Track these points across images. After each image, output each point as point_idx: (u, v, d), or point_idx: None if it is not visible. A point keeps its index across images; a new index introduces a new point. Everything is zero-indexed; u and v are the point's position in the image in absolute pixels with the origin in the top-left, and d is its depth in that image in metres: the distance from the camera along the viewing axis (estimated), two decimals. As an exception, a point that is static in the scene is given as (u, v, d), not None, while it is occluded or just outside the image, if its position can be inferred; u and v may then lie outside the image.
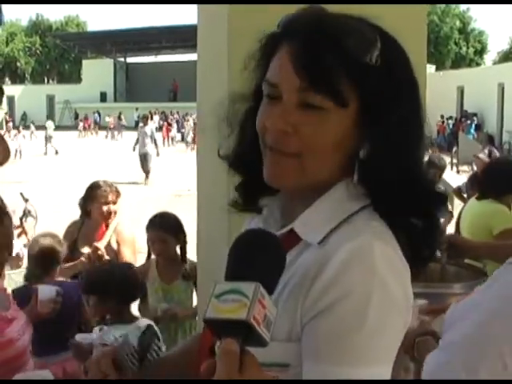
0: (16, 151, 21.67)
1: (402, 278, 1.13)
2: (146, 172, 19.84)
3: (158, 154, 20.93)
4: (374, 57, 1.13)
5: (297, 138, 1.15)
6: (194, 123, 34.79)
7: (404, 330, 1.14)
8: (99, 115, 49.43)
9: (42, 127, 33.88)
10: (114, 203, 4.69)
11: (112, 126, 43.58)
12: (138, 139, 20.34)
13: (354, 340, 1.07)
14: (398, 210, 1.17)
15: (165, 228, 4.32)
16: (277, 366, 1.13)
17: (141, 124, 21.23)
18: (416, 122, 1.20)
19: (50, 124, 32.73)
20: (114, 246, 4.62)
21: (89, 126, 44.88)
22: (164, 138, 35.71)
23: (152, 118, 36.82)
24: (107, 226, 4.67)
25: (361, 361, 1.07)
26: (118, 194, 4.76)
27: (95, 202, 4.67)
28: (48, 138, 31.30)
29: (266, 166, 1.20)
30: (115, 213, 4.70)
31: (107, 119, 44.69)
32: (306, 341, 1.11)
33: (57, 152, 29.73)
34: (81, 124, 46.38)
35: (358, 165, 1.19)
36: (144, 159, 19.68)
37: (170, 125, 38.60)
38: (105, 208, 4.64)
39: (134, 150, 20.63)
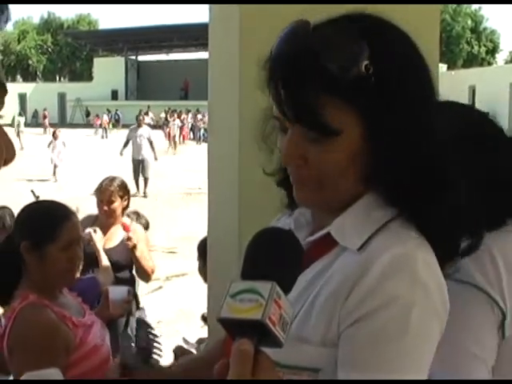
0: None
1: (442, 286, 1.13)
2: (145, 179, 17.04)
3: (156, 159, 17.74)
4: (362, 68, 1.08)
5: (309, 168, 1.17)
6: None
7: (439, 337, 1.13)
8: (118, 114, 49.23)
9: (53, 125, 33.93)
10: (110, 202, 4.60)
11: (106, 124, 42.70)
12: (126, 142, 17.24)
13: (396, 348, 1.06)
14: (428, 217, 1.16)
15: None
16: (307, 369, 1.12)
17: (133, 126, 17.62)
18: (427, 120, 1.17)
19: (19, 119, 33.66)
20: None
21: (100, 124, 44.59)
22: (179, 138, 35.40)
23: (167, 119, 36.62)
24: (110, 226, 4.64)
25: (401, 369, 1.06)
26: (115, 192, 4.63)
27: (97, 199, 4.66)
28: (19, 134, 31.85)
29: (294, 191, 1.24)
30: (113, 211, 4.62)
31: (105, 118, 44.06)
32: (343, 347, 1.10)
33: (22, 148, 28.82)
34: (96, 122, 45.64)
35: (376, 176, 1.17)
36: (141, 166, 16.68)
37: (184, 124, 38.50)
38: (100, 206, 4.62)
39: (121, 154, 17.49)
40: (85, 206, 7.34)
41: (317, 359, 1.11)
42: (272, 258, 1.02)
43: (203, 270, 3.84)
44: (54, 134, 21.23)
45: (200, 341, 3.72)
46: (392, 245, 1.11)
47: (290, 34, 1.16)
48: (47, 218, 2.55)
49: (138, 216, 5.29)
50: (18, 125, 32.71)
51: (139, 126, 16.93)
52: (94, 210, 4.75)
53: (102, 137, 41.17)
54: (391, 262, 1.08)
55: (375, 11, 1.19)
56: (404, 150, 1.13)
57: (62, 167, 20.09)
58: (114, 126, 47.27)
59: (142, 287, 5.35)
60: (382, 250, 1.10)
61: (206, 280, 3.99)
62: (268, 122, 1.30)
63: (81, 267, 3.68)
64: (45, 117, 46.80)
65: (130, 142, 16.96)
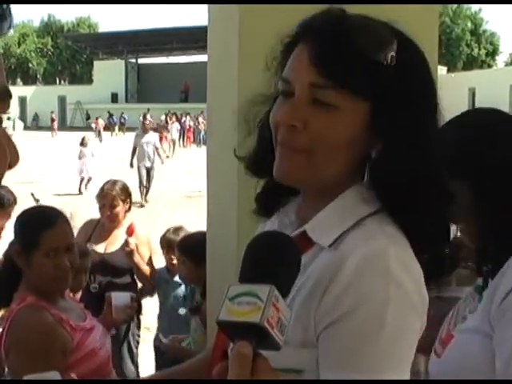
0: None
1: (418, 281, 1.12)
2: (147, 187, 16.02)
3: (162, 163, 17.10)
4: (388, 57, 1.12)
5: (306, 134, 1.15)
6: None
7: (420, 332, 1.13)
8: (124, 117, 48.91)
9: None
10: (113, 207, 4.59)
11: (101, 128, 41.05)
12: (133, 150, 15.65)
13: (373, 345, 1.06)
14: (410, 214, 1.16)
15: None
16: (291, 371, 1.12)
17: (138, 131, 16.30)
18: (430, 124, 1.19)
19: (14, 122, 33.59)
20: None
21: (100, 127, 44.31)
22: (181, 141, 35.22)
23: (167, 121, 36.39)
24: (115, 228, 4.63)
25: (381, 367, 1.06)
26: (117, 196, 4.61)
27: (99, 203, 4.65)
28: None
29: (275, 162, 1.20)
30: (116, 215, 4.61)
31: (100, 122, 42.29)
32: (323, 348, 1.10)
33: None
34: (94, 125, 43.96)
35: (370, 167, 1.18)
36: (146, 175, 15.73)
37: (183, 128, 38.44)
38: (102, 210, 4.61)
39: (131, 166, 15.80)
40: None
41: (299, 360, 1.12)
42: (270, 261, 1.01)
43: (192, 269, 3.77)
44: (82, 141, 18.06)
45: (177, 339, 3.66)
46: (363, 242, 1.11)
47: (326, 11, 1.20)
48: (32, 225, 2.57)
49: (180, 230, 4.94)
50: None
51: (145, 131, 15.76)
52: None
53: (100, 141, 39.19)
54: (362, 259, 1.08)
55: (375, 12, 1.20)
56: (403, 148, 1.14)
57: (93, 180, 16.45)
58: (120, 129, 47.17)
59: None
60: (353, 248, 1.10)
61: (189, 280, 3.97)
62: (254, 107, 1.32)
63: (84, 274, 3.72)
64: (53, 120, 46.70)
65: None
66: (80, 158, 17.71)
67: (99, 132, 39.71)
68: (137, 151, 15.51)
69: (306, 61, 1.14)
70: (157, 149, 15.92)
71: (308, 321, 1.12)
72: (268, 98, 1.30)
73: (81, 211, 4.70)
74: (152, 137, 15.92)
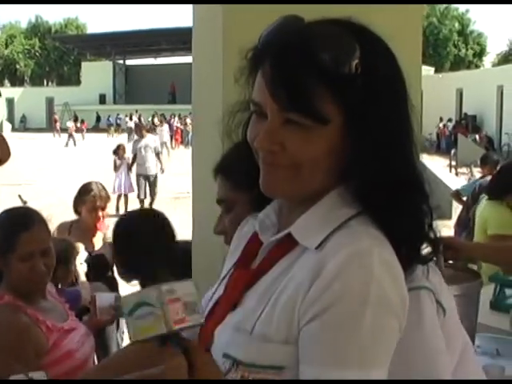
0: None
1: (400, 283, 1.13)
2: (152, 198, 14.61)
3: (162, 171, 15.12)
4: (352, 66, 1.11)
5: (286, 155, 1.15)
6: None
7: (399, 334, 1.13)
8: (119, 118, 48.85)
9: (40, 130, 33.53)
10: (103, 209, 4.72)
11: (73, 131, 40.01)
12: (133, 158, 14.44)
13: (350, 343, 1.06)
14: (389, 214, 1.16)
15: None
16: (272, 368, 1.12)
17: (135, 136, 15.09)
18: (405, 125, 1.20)
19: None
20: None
21: (78, 129, 43.38)
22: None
23: (153, 123, 36.10)
24: (97, 230, 4.71)
25: (356, 364, 1.06)
26: (107, 198, 4.80)
27: (85, 206, 4.70)
28: None
29: (261, 177, 1.21)
30: (103, 217, 4.73)
31: (68, 124, 41.44)
32: (302, 344, 1.11)
33: None
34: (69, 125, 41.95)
35: (350, 171, 1.17)
36: (147, 184, 14.36)
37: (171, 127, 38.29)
38: (94, 213, 4.68)
39: (137, 176, 14.34)
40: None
41: (281, 357, 1.12)
42: (133, 255, 1.03)
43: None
44: (117, 150, 14.64)
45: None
46: (348, 242, 1.12)
47: (283, 23, 1.19)
48: (8, 228, 2.57)
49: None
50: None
51: (141, 136, 14.40)
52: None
53: (67, 144, 37.27)
54: (346, 258, 1.09)
55: (359, 11, 1.21)
56: (381, 151, 1.15)
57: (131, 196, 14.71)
58: (116, 130, 47.17)
59: (129, 290, 5.31)
60: (337, 248, 1.11)
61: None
62: (235, 117, 1.32)
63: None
64: (56, 121, 46.65)
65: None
66: (116, 170, 14.63)
67: (71, 135, 38.84)
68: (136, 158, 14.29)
69: (267, 88, 1.14)
70: (157, 154, 14.42)
71: (292, 318, 1.12)
72: (244, 107, 1.29)
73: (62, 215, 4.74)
74: (151, 140, 14.52)
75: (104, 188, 4.89)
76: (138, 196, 14.34)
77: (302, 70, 1.11)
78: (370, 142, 1.14)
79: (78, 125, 44.94)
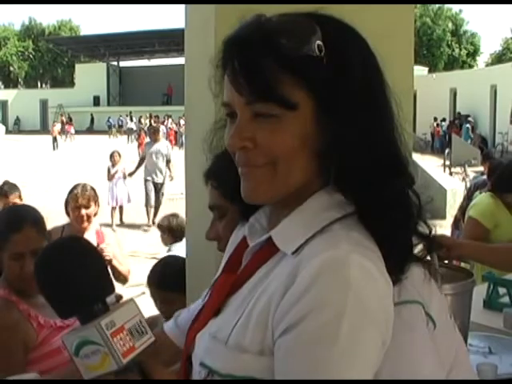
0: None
1: (382, 291, 1.06)
2: (156, 207, 13.36)
3: (171, 179, 13.49)
4: (314, 47, 1.08)
5: (259, 150, 1.12)
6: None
7: (383, 347, 1.06)
8: (122, 119, 48.85)
9: (34, 132, 33.29)
10: (86, 207, 4.68)
11: (57, 134, 38.78)
12: (140, 161, 13.69)
13: (325, 357, 1.00)
14: (376, 210, 1.10)
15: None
16: (248, 379, 1.09)
17: (147, 139, 13.87)
18: (380, 107, 1.14)
19: None
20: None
21: (62, 131, 43.10)
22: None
23: (151, 124, 35.78)
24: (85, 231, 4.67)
25: (333, 378, 1.00)
26: (91, 197, 4.75)
27: (70, 205, 4.74)
28: None
29: (242, 185, 1.17)
30: (88, 216, 4.69)
31: (54, 128, 39.34)
32: (277, 357, 1.06)
33: None
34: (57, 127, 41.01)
35: (327, 162, 1.12)
36: (154, 192, 13.22)
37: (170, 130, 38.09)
38: (76, 212, 4.67)
39: (130, 176, 13.54)
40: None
41: (256, 368, 1.08)
42: (63, 289, 1.06)
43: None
44: (112, 156, 13.43)
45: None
46: (325, 248, 1.06)
47: (244, 22, 1.16)
48: (1, 227, 2.62)
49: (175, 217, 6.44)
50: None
51: (155, 140, 13.44)
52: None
53: (54, 148, 36.29)
54: (320, 266, 1.02)
55: (350, 12, 1.19)
56: (354, 133, 1.10)
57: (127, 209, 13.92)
58: (118, 131, 47.16)
59: (125, 293, 5.31)
60: (313, 254, 1.05)
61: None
62: (216, 134, 1.31)
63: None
64: (66, 123, 46.27)
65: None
66: (110, 179, 13.37)
67: (55, 138, 37.80)
68: (145, 162, 13.31)
69: (232, 84, 1.12)
70: (168, 162, 13.32)
71: (266, 328, 1.08)
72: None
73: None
74: (163, 146, 13.54)
75: (92, 188, 4.87)
76: (146, 204, 13.33)
77: (262, 58, 1.08)
78: (343, 124, 1.09)
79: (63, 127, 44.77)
